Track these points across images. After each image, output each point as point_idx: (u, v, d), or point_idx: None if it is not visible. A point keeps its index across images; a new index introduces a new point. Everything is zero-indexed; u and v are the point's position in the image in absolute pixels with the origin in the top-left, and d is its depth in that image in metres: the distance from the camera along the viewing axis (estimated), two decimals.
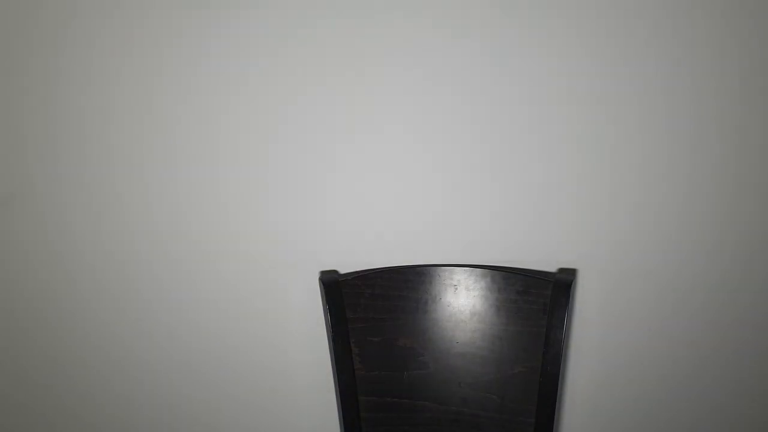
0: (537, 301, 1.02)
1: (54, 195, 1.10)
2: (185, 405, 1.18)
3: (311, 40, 1.04)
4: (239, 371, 1.16)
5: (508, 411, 1.04)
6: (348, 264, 1.10)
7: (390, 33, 1.03)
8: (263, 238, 1.10)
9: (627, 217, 1.07)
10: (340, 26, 1.03)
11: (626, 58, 1.02)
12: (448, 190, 1.08)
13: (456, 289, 1.05)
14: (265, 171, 1.08)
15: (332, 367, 1.04)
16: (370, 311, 1.05)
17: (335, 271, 1.09)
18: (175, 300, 1.13)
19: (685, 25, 1.01)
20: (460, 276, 1.05)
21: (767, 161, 1.04)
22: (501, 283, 1.04)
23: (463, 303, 1.05)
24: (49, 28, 1.06)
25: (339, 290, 1.04)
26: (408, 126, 1.06)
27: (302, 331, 1.13)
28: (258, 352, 1.15)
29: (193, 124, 1.07)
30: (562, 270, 1.07)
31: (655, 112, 1.03)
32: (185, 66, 1.06)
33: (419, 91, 1.05)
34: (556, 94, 1.04)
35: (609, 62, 1.02)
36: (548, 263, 1.08)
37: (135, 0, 1.04)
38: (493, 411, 1.04)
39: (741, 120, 1.03)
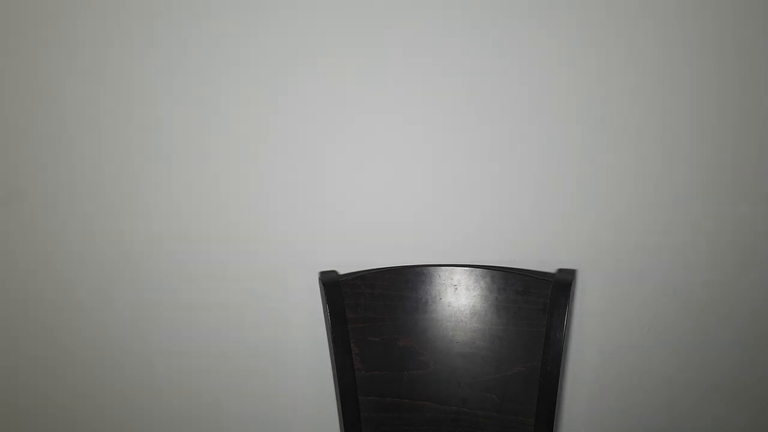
0: (537, 301, 1.02)
1: (54, 195, 1.10)
2: (186, 405, 1.18)
3: (307, 37, 1.04)
4: (239, 371, 1.16)
5: (507, 411, 1.04)
6: (348, 264, 1.10)
7: (388, 32, 1.03)
8: (263, 239, 1.10)
9: (627, 217, 1.07)
10: (335, 18, 1.03)
11: (629, 58, 1.02)
12: (448, 190, 1.08)
13: (456, 289, 1.05)
14: (264, 171, 1.08)
15: (332, 367, 1.04)
16: (370, 311, 1.05)
17: (335, 272, 1.09)
18: (174, 301, 1.13)
19: (685, 27, 1.01)
20: (460, 276, 1.05)
21: (767, 163, 1.04)
22: (501, 283, 1.04)
23: (463, 303, 1.05)
24: (46, 28, 1.05)
25: (339, 290, 1.04)
26: (408, 125, 1.06)
27: (302, 332, 1.13)
28: (258, 353, 1.15)
29: (192, 124, 1.07)
30: (562, 270, 1.07)
31: (655, 113, 1.03)
32: (182, 65, 1.05)
33: (419, 90, 1.04)
34: (557, 93, 1.03)
35: (612, 62, 1.02)
36: (548, 263, 1.08)
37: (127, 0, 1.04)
38: (492, 411, 1.04)
39: (741, 121, 1.03)
